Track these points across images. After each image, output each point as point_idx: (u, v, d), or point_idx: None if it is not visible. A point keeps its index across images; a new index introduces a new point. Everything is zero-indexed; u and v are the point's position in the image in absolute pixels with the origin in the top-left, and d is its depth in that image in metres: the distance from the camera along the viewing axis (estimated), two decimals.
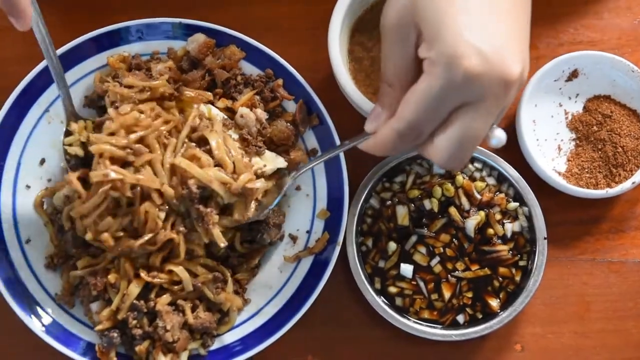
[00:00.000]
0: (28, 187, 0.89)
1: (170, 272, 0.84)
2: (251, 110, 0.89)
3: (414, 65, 0.68)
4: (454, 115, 0.65)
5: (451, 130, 0.65)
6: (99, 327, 0.85)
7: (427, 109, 0.64)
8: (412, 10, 0.65)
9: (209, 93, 0.89)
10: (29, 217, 0.89)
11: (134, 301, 0.84)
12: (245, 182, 0.82)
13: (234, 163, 0.83)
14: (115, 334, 0.84)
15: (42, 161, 0.90)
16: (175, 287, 0.85)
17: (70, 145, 0.86)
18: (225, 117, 0.88)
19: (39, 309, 0.87)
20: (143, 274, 0.84)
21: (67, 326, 0.87)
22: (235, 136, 0.87)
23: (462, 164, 0.68)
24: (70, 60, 0.89)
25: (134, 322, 0.84)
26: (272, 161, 0.87)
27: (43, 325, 0.86)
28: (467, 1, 0.63)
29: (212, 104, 0.89)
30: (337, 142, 0.88)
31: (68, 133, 0.87)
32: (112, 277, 0.84)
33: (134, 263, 0.84)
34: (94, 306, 0.87)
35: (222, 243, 0.82)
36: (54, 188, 0.89)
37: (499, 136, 0.68)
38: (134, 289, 0.84)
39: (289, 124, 0.90)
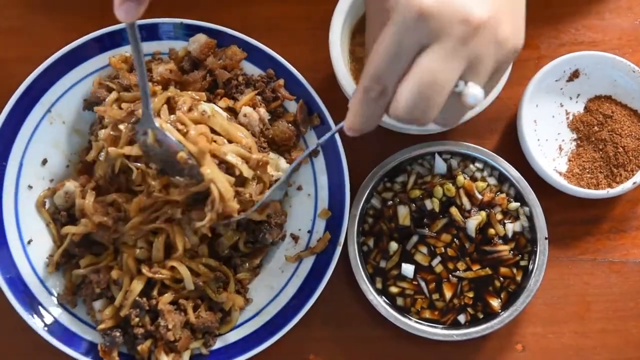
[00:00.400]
0: (30, 187, 0.89)
1: (173, 269, 0.84)
2: (254, 109, 0.89)
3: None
4: (414, 61, 0.62)
5: (410, 76, 0.62)
6: (102, 326, 0.85)
7: (387, 55, 0.62)
8: None
9: (202, 93, 0.89)
10: (31, 218, 0.89)
11: (137, 298, 0.84)
12: (262, 156, 0.83)
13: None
14: (118, 333, 0.85)
15: (44, 161, 0.90)
16: (177, 285, 0.85)
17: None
18: (228, 116, 0.88)
19: (41, 308, 0.87)
20: (145, 270, 0.84)
21: (69, 326, 0.87)
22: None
23: (425, 116, 0.63)
24: (72, 60, 0.89)
25: (136, 319, 0.84)
26: (275, 162, 0.88)
27: (45, 325, 0.86)
28: None
29: (214, 104, 0.89)
30: (339, 142, 0.88)
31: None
32: (115, 274, 0.84)
33: (136, 260, 0.85)
34: (97, 304, 0.87)
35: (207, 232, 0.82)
36: (55, 188, 0.90)
37: (475, 93, 0.62)
38: (137, 285, 0.84)
39: (290, 125, 0.90)
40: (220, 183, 0.79)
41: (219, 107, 0.89)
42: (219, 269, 0.87)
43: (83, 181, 0.88)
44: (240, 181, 0.83)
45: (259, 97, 0.90)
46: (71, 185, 0.89)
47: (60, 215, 0.89)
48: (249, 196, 0.83)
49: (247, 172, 0.83)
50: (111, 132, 0.85)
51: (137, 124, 0.81)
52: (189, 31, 0.91)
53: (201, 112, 0.84)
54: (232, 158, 0.82)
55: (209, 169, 0.79)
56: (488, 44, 0.62)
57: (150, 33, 0.90)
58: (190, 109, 0.84)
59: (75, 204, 0.87)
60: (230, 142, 0.84)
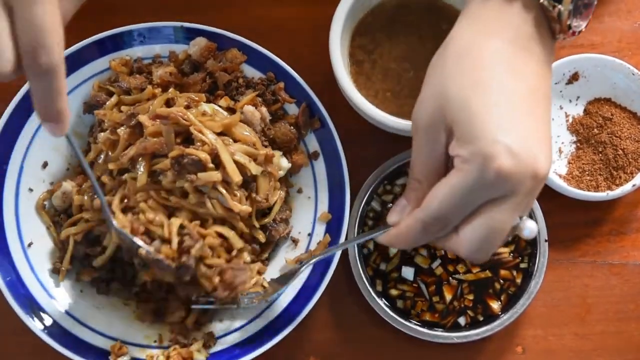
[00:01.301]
0: (31, 190, 0.90)
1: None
2: (255, 109, 0.89)
3: (443, 162, 0.70)
4: (482, 208, 0.66)
5: (477, 223, 0.67)
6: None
7: (456, 202, 0.66)
8: (444, 112, 0.68)
9: (202, 94, 0.89)
10: (31, 220, 0.89)
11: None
12: (267, 150, 0.84)
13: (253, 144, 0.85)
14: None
15: (45, 164, 0.91)
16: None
17: None
18: (229, 116, 0.88)
19: (41, 311, 0.87)
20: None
21: (70, 329, 0.87)
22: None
23: (487, 256, 0.69)
24: (72, 63, 0.89)
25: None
26: (278, 161, 0.88)
27: (45, 327, 0.86)
28: (498, 103, 0.66)
29: (215, 104, 0.90)
30: (338, 144, 0.88)
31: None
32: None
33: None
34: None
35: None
36: (53, 189, 0.90)
37: (531, 227, 0.69)
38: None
39: (291, 127, 0.90)
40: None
41: (220, 105, 0.89)
42: (255, 238, 0.88)
43: (80, 181, 0.88)
44: (251, 179, 0.84)
45: (259, 99, 0.90)
46: (68, 185, 0.89)
47: (60, 217, 0.89)
48: (264, 197, 0.85)
49: (256, 170, 0.83)
50: (110, 137, 0.85)
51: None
52: (190, 35, 0.91)
53: (202, 112, 0.85)
54: (240, 157, 0.82)
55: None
56: (542, 187, 0.68)
57: (151, 36, 0.91)
58: (188, 107, 0.84)
59: (73, 203, 0.87)
60: (235, 140, 0.84)
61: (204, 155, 0.80)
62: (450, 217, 0.67)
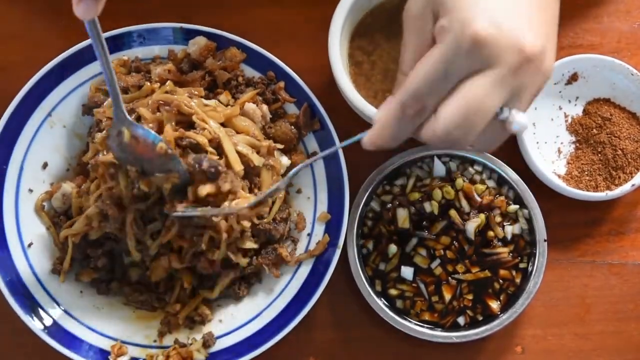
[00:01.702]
0: (31, 190, 0.90)
1: None
2: (256, 106, 0.89)
3: None
4: (461, 84, 0.62)
5: (454, 98, 0.62)
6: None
7: (433, 76, 0.62)
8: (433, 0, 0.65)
9: (200, 89, 0.88)
10: (31, 221, 0.90)
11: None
12: (270, 142, 0.84)
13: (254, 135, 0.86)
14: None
15: (45, 165, 0.91)
16: None
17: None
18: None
19: (41, 311, 0.87)
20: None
21: (69, 328, 0.87)
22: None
23: (464, 139, 0.63)
24: (72, 65, 0.90)
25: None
26: (278, 158, 0.88)
27: (45, 327, 0.86)
28: None
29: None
30: (338, 145, 0.88)
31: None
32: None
33: None
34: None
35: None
36: (52, 191, 0.90)
37: (520, 121, 0.63)
38: None
39: (292, 127, 0.90)
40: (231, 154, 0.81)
41: (221, 101, 0.89)
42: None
43: (79, 182, 0.89)
44: (255, 172, 0.85)
45: (259, 98, 0.90)
46: (68, 186, 0.89)
47: (60, 219, 0.89)
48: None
49: (258, 161, 0.84)
50: (105, 137, 0.85)
51: (110, 128, 0.80)
52: (189, 36, 0.91)
53: (204, 103, 0.85)
54: (242, 148, 0.82)
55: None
56: (534, 74, 0.63)
57: (150, 37, 0.91)
58: (190, 97, 0.84)
59: (72, 205, 0.87)
60: (237, 132, 0.85)
61: (202, 139, 0.80)
62: (427, 94, 0.62)
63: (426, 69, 0.62)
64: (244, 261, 0.87)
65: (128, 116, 0.77)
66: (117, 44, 0.90)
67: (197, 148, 0.80)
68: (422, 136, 0.65)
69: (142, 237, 0.85)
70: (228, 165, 0.81)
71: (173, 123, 0.82)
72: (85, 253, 0.89)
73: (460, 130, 0.62)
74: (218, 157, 0.81)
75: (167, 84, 0.87)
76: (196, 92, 0.87)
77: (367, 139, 0.68)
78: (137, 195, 0.82)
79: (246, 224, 0.85)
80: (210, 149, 0.81)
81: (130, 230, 0.84)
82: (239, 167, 0.81)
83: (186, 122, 0.83)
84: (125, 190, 0.82)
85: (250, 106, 0.88)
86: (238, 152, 0.82)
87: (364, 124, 0.89)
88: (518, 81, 0.62)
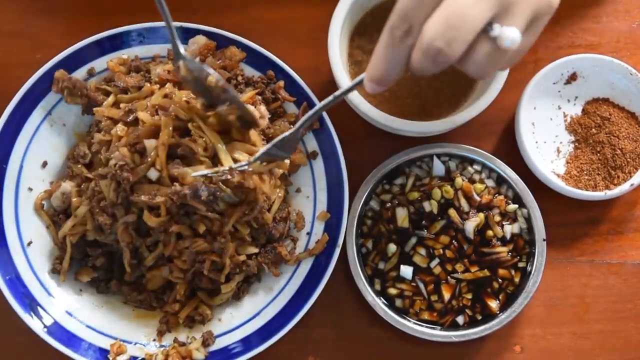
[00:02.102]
0: (30, 189, 0.90)
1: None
2: (255, 107, 0.89)
3: None
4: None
5: (438, 10, 0.61)
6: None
7: None
8: None
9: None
10: (31, 220, 0.90)
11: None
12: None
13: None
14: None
15: (44, 164, 0.91)
16: None
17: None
18: None
19: (40, 310, 0.87)
20: None
21: (69, 327, 0.87)
22: None
23: (448, 50, 0.61)
24: (72, 64, 0.90)
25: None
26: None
27: (44, 326, 0.86)
28: None
29: None
30: (337, 144, 0.89)
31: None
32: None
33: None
34: None
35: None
36: (52, 190, 0.90)
37: (510, 36, 0.61)
38: None
39: (291, 126, 0.90)
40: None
41: None
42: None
43: (79, 181, 0.89)
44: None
45: (259, 97, 0.91)
46: (67, 185, 0.89)
47: (59, 218, 0.89)
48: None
49: (255, 167, 0.84)
50: (103, 137, 0.86)
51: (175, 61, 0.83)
52: (189, 35, 0.91)
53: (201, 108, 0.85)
54: (239, 155, 0.83)
55: None
56: None
57: (150, 36, 0.91)
58: (187, 102, 0.85)
59: (71, 204, 0.88)
60: (234, 139, 0.85)
61: (197, 147, 0.80)
62: (412, 12, 0.62)
63: None
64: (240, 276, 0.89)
65: (183, 52, 0.80)
66: (116, 42, 0.91)
67: (191, 155, 0.81)
68: (412, 59, 0.64)
69: (139, 244, 0.85)
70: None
71: (170, 128, 0.82)
72: (84, 252, 0.89)
73: (444, 39, 0.61)
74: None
75: (166, 86, 0.87)
76: (193, 96, 0.87)
77: (366, 75, 0.67)
78: (125, 205, 0.83)
79: (244, 230, 0.86)
80: (203, 158, 0.81)
81: (123, 240, 0.84)
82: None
83: (184, 127, 0.83)
84: (113, 200, 0.83)
85: (248, 107, 0.88)
86: (235, 159, 0.82)
87: (363, 123, 0.90)
88: None
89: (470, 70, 0.65)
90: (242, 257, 0.88)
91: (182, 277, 0.87)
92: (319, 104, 0.76)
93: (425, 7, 0.62)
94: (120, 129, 0.84)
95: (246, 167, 0.81)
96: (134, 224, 0.84)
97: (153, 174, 0.81)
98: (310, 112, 0.76)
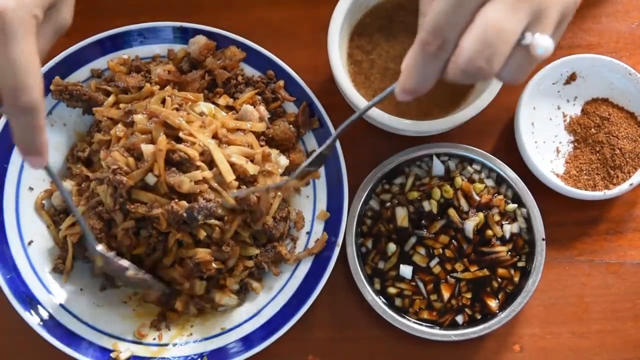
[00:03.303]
0: (31, 189, 0.90)
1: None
2: (254, 108, 0.90)
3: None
4: (478, 12, 0.61)
5: (474, 26, 0.61)
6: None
7: (448, 8, 0.61)
8: None
9: (199, 94, 0.89)
10: (31, 219, 0.90)
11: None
12: (265, 150, 0.86)
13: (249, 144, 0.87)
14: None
15: None
16: None
17: None
18: (225, 114, 0.89)
19: (40, 308, 0.87)
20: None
21: (69, 326, 0.87)
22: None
23: (489, 67, 0.61)
24: (72, 63, 0.90)
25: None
26: (275, 159, 0.88)
27: (45, 324, 0.86)
28: None
29: (214, 102, 0.90)
30: (337, 144, 0.89)
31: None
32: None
33: None
34: None
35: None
36: (52, 189, 0.90)
37: (544, 44, 0.61)
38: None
39: (291, 126, 0.91)
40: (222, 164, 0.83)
41: (219, 104, 0.89)
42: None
43: (79, 180, 0.89)
44: (251, 180, 0.86)
45: (258, 97, 0.91)
46: (67, 184, 0.89)
47: (60, 217, 0.90)
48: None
49: (253, 169, 0.84)
50: (103, 137, 0.87)
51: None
52: (188, 35, 0.91)
53: (199, 113, 0.85)
54: (236, 159, 0.83)
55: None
56: None
57: (150, 36, 0.91)
58: (178, 109, 0.85)
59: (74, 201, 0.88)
60: (230, 144, 0.85)
61: (193, 152, 0.81)
62: (445, 26, 0.62)
63: (440, 2, 0.62)
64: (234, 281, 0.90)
65: (97, 248, 0.82)
66: (116, 43, 0.91)
67: (186, 161, 0.81)
68: (448, 73, 0.64)
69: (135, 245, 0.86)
70: (219, 174, 0.83)
71: (162, 134, 0.82)
72: (85, 252, 0.89)
73: (484, 57, 0.61)
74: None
75: (165, 89, 0.87)
76: (193, 97, 0.87)
77: (398, 87, 0.66)
78: (124, 210, 0.83)
79: (245, 233, 0.87)
80: (199, 162, 0.82)
81: (123, 245, 0.85)
82: (230, 177, 0.82)
83: (177, 133, 0.84)
84: (110, 205, 0.83)
85: (247, 108, 0.89)
86: (232, 163, 0.83)
87: (363, 122, 0.90)
88: (535, 3, 0.61)
89: (504, 78, 0.65)
90: (250, 263, 0.88)
91: (185, 283, 0.88)
92: (353, 116, 0.76)
93: (461, 22, 0.62)
94: (120, 129, 0.84)
95: (284, 184, 0.83)
96: (133, 228, 0.84)
97: (151, 179, 0.81)
98: (347, 122, 0.77)
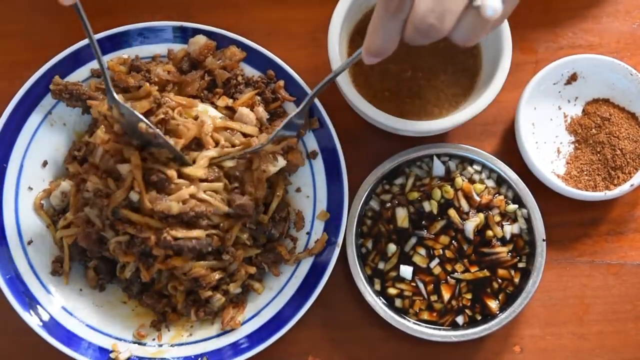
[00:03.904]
0: (30, 188, 0.90)
1: None
2: (252, 109, 0.89)
3: None
4: None
5: None
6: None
7: None
8: None
9: (194, 100, 0.89)
10: (31, 219, 0.90)
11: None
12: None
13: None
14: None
15: (45, 163, 0.91)
16: None
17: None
18: (222, 115, 0.89)
19: (40, 308, 0.87)
20: None
21: (68, 326, 0.87)
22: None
23: (441, 22, 0.64)
24: (72, 63, 0.90)
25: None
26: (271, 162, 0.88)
27: (44, 324, 0.86)
28: None
29: (213, 103, 0.90)
30: (337, 144, 0.89)
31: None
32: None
33: None
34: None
35: None
36: (50, 189, 0.90)
37: (492, 5, 0.63)
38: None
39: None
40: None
41: (218, 105, 0.89)
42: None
43: (78, 181, 0.89)
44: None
45: (258, 98, 0.91)
46: (67, 184, 0.89)
47: (59, 217, 0.90)
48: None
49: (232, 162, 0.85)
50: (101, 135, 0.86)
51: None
52: (188, 35, 0.91)
53: (194, 116, 0.86)
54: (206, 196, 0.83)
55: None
56: None
57: (150, 36, 0.91)
58: (177, 112, 0.86)
59: (70, 203, 0.88)
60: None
61: (171, 172, 0.81)
62: None
63: None
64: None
65: (115, 96, 0.81)
66: (117, 42, 0.91)
67: (166, 182, 0.82)
68: (405, 34, 0.66)
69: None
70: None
71: (134, 151, 0.82)
72: (83, 253, 0.89)
73: (435, 15, 0.63)
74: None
75: (151, 95, 0.87)
76: (185, 102, 0.87)
77: (363, 49, 0.70)
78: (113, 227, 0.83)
79: (243, 235, 0.87)
80: (179, 180, 0.82)
81: (118, 256, 0.85)
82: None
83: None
84: (100, 227, 0.84)
85: (243, 111, 0.88)
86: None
87: (363, 122, 0.90)
88: None
89: (456, 39, 0.67)
90: (252, 269, 0.88)
91: (182, 289, 0.88)
92: (321, 82, 0.81)
93: None
94: (101, 131, 0.84)
95: (260, 148, 0.84)
96: (126, 242, 0.84)
97: (134, 197, 0.81)
98: (315, 90, 0.81)
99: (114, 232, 0.83)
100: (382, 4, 0.66)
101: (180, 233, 0.81)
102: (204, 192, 0.83)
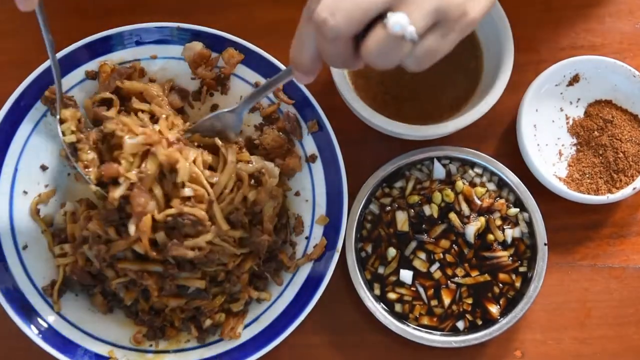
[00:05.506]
0: (25, 192, 0.89)
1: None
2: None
3: None
4: None
5: None
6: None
7: None
8: None
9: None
10: (25, 223, 0.89)
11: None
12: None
13: None
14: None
15: (40, 166, 0.90)
16: None
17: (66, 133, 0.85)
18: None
19: (36, 315, 0.86)
20: None
21: (65, 333, 0.87)
22: None
23: (335, 19, 0.60)
24: (68, 64, 0.89)
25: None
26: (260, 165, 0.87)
27: (40, 332, 0.86)
28: None
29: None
30: (337, 147, 0.88)
31: (62, 121, 0.86)
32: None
33: None
34: None
35: None
36: (48, 194, 0.89)
37: (399, 21, 0.59)
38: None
39: (280, 133, 0.89)
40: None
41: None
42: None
43: (84, 207, 0.88)
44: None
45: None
46: (71, 205, 0.89)
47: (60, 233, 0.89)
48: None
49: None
50: (100, 133, 0.85)
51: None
52: (186, 35, 0.90)
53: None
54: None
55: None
56: None
57: (147, 36, 0.90)
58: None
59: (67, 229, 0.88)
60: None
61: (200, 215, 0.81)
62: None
63: None
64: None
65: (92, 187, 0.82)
66: (112, 43, 0.89)
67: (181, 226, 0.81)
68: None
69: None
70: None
71: (147, 217, 0.80)
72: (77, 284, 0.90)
73: (329, 9, 0.60)
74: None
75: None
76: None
77: (290, 62, 0.68)
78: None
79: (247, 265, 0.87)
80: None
81: (118, 289, 0.86)
82: (226, 227, 0.83)
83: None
84: (97, 266, 0.84)
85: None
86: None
87: (363, 126, 0.89)
88: None
89: (370, 59, 0.62)
90: (255, 294, 0.88)
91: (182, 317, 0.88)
92: (264, 82, 0.82)
93: None
94: (88, 151, 0.83)
95: (190, 135, 0.84)
96: (126, 282, 0.84)
97: (139, 249, 0.81)
98: (253, 91, 0.81)
99: (114, 273, 0.84)
100: (302, 15, 0.64)
101: (184, 281, 0.83)
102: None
